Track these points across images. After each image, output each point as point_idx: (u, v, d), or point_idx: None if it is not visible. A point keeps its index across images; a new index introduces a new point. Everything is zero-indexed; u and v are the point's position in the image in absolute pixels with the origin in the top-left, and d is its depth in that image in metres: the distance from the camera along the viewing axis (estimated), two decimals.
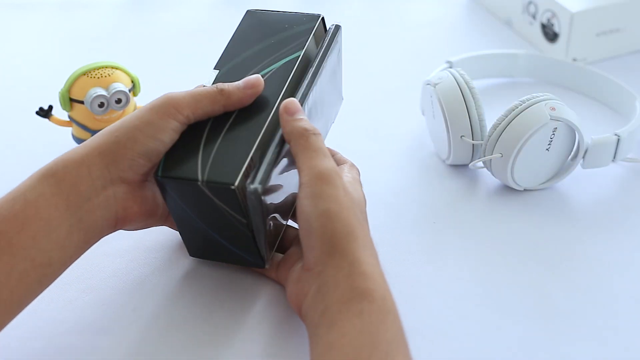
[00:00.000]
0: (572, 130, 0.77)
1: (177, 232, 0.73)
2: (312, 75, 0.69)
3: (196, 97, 0.65)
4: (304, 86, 0.68)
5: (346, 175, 0.68)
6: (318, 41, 0.73)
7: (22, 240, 0.58)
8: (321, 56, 0.71)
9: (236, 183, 0.61)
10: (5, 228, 0.58)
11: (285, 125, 0.64)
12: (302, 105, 0.67)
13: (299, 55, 0.69)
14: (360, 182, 0.69)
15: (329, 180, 0.60)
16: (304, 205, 0.60)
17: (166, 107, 0.64)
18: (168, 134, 0.64)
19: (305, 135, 0.63)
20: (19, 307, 0.60)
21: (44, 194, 0.60)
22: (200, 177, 0.62)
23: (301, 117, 0.64)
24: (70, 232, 0.61)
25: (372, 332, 0.55)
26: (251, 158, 0.63)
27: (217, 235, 0.66)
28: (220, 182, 0.62)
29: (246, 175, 0.62)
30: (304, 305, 0.60)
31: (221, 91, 0.65)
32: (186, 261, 0.71)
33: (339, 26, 0.74)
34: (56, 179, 0.61)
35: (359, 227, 0.60)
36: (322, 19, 0.73)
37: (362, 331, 0.55)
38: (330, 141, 0.87)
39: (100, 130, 0.81)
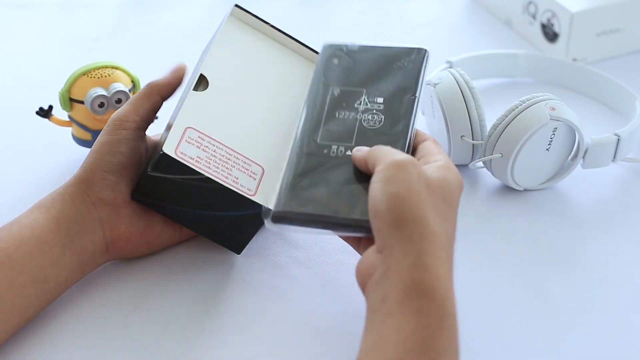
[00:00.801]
0: (572, 130, 0.77)
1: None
2: (415, 108, 0.69)
3: (133, 101, 0.72)
4: (411, 124, 0.68)
5: (436, 160, 0.64)
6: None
7: (20, 255, 0.63)
8: (420, 86, 0.71)
9: (164, 149, 0.65)
10: (4, 245, 0.63)
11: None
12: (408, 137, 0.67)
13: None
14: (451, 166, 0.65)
15: (403, 167, 0.59)
16: (375, 190, 0.58)
17: (112, 122, 0.70)
18: (124, 144, 0.69)
19: (377, 148, 0.63)
20: (19, 320, 0.63)
21: (37, 219, 0.65)
22: (149, 168, 0.66)
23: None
24: (63, 253, 0.65)
25: (426, 336, 0.54)
26: (175, 125, 0.67)
27: (222, 213, 0.68)
28: (158, 158, 0.65)
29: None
30: (368, 286, 0.59)
31: (149, 84, 0.72)
32: (186, 261, 0.71)
33: (427, 52, 0.74)
34: (46, 207, 0.67)
35: (431, 213, 0.58)
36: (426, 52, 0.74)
37: (415, 332, 0.54)
38: None
39: (101, 130, 0.82)
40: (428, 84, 0.82)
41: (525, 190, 0.80)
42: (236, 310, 0.67)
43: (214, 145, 0.68)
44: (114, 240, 0.68)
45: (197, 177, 0.66)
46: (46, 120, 0.84)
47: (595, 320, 0.67)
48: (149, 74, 0.88)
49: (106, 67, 0.82)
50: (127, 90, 0.81)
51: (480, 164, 0.79)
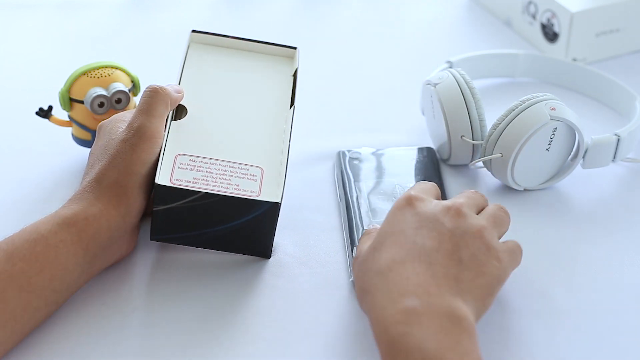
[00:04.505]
0: (572, 130, 0.77)
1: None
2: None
3: (159, 114, 0.70)
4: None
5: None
6: None
7: (40, 280, 0.63)
8: None
9: (159, 181, 0.66)
10: (26, 267, 0.62)
11: None
12: None
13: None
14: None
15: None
16: None
17: (144, 136, 0.68)
18: (154, 160, 0.69)
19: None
20: (27, 333, 0.64)
21: (64, 241, 0.64)
22: (153, 205, 0.68)
23: None
24: (80, 275, 0.65)
25: None
26: (165, 156, 0.69)
27: (235, 222, 0.68)
28: (156, 192, 0.67)
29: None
30: None
31: (166, 93, 0.71)
32: (186, 261, 0.71)
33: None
34: (77, 229, 0.65)
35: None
36: None
37: None
38: (332, 141, 0.87)
39: None
40: (428, 84, 0.82)
41: (525, 190, 0.80)
42: (236, 310, 0.67)
43: (207, 163, 0.69)
44: (122, 257, 0.70)
45: (199, 196, 0.67)
46: (46, 120, 0.84)
47: (596, 320, 0.67)
48: (149, 74, 0.88)
49: (106, 67, 0.82)
50: (127, 90, 0.81)
51: (480, 164, 0.79)
